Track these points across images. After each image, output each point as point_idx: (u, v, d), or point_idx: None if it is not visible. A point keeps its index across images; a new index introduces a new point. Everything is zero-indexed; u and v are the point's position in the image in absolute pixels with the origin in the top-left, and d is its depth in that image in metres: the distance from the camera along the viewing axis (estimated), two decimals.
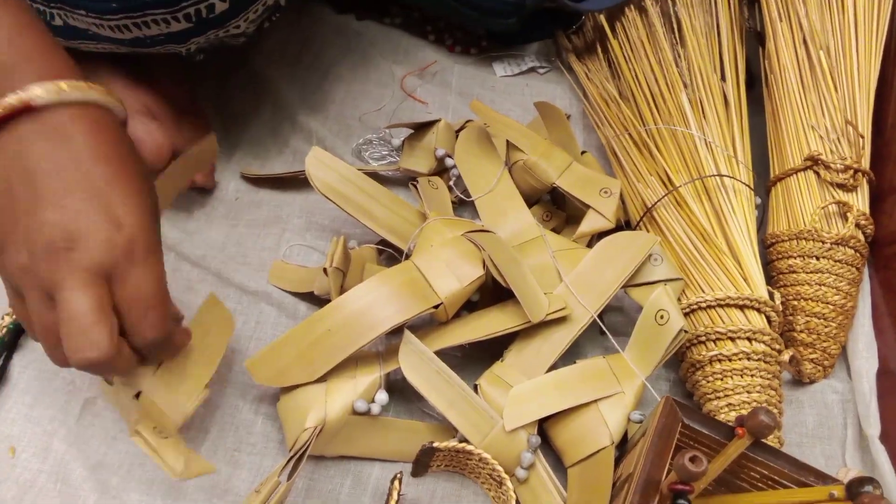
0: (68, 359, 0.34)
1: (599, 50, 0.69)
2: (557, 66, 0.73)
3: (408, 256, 0.49)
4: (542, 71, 0.73)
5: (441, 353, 0.45)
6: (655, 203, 0.53)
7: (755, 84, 0.64)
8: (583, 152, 0.61)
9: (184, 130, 0.59)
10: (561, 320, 0.46)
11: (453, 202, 0.57)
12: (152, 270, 0.35)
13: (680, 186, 0.52)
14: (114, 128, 0.37)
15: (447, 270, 0.46)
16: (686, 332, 0.45)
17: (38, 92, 0.33)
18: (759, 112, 0.61)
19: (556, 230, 0.56)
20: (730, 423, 0.40)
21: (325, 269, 0.46)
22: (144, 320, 0.35)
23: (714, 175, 0.53)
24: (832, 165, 0.52)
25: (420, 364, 0.44)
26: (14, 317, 0.51)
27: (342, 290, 0.47)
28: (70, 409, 0.47)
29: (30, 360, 0.49)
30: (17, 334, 0.50)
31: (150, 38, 0.50)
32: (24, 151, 0.34)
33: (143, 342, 0.36)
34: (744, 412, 0.45)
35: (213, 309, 0.45)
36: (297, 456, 0.41)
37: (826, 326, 0.52)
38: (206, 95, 0.66)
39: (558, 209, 0.57)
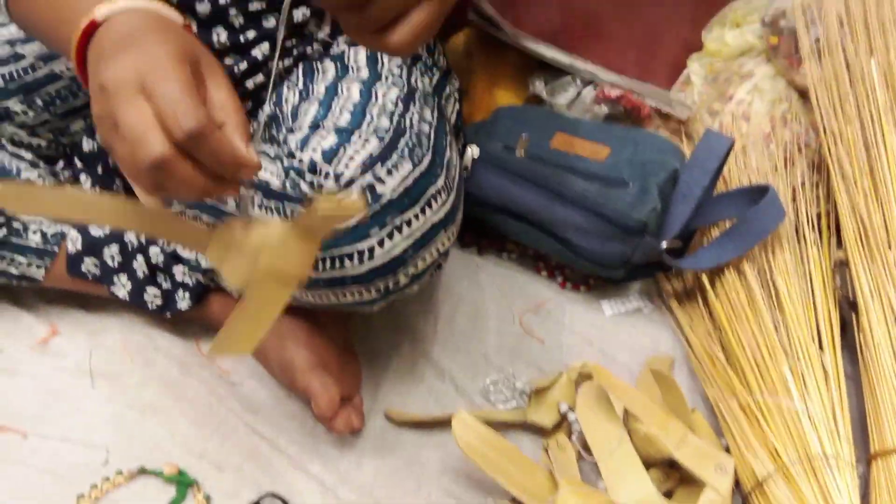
0: (139, 166, 0.41)
1: (699, 299, 0.77)
2: (660, 305, 0.81)
3: None
4: (646, 310, 0.81)
5: None
6: (764, 480, 0.59)
7: (847, 329, 0.70)
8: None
9: (345, 374, 0.69)
10: None
11: (576, 455, 0.64)
12: (172, 77, 0.41)
13: (790, 466, 0.58)
14: (163, 21, 0.47)
15: None
16: None
17: (100, 10, 0.46)
18: (855, 360, 0.67)
19: (669, 493, 0.62)
20: None
21: None
22: (178, 113, 0.40)
23: (822, 455, 0.58)
24: None
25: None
26: None
27: None
28: None
29: None
30: None
31: (345, 304, 0.61)
32: (100, 47, 0.45)
33: (182, 133, 0.40)
34: None
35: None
36: None
37: None
38: (354, 333, 0.77)
39: (672, 469, 0.63)
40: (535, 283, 0.85)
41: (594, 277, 0.85)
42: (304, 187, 0.67)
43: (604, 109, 0.94)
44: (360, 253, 0.56)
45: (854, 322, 0.69)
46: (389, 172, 0.57)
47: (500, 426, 0.67)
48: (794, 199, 0.80)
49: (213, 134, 0.41)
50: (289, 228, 0.42)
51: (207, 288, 0.73)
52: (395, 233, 0.56)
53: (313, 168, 0.66)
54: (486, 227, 0.87)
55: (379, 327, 0.78)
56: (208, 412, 0.70)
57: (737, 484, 0.62)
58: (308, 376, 0.64)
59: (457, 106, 0.83)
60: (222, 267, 0.43)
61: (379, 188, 0.56)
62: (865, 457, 0.63)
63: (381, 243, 0.56)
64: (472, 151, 0.85)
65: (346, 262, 0.57)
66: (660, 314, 0.81)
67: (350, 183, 0.61)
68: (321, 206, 0.40)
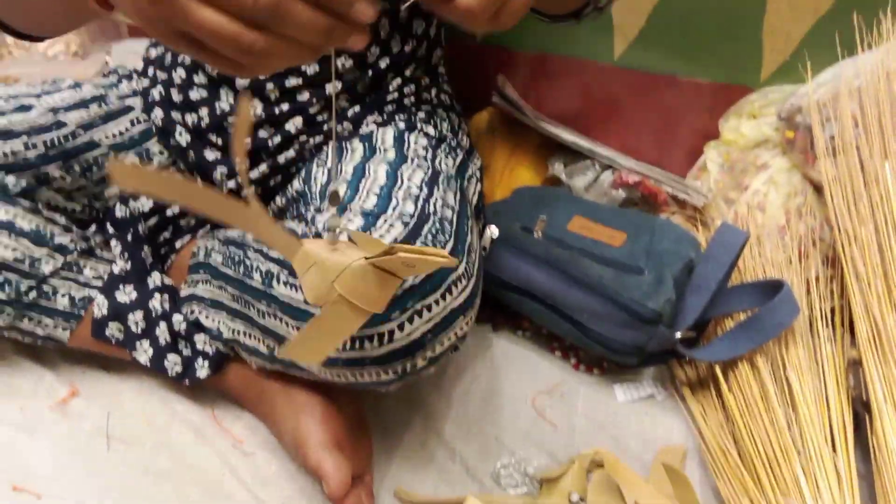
0: (255, 8, 0.36)
1: (713, 390, 0.78)
2: (672, 393, 0.82)
3: None
4: (659, 398, 0.82)
5: None
6: None
7: (860, 427, 0.70)
8: None
9: (359, 454, 0.70)
10: None
11: None
12: None
13: None
14: None
15: None
16: None
17: None
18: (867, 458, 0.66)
19: None
20: None
21: None
22: None
23: None
24: None
25: None
26: None
27: None
28: None
29: None
30: None
31: (362, 384, 0.62)
32: None
33: None
34: None
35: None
36: None
37: None
38: (367, 408, 0.78)
39: None
40: (549, 363, 0.85)
41: (608, 360, 0.85)
42: None
43: (621, 194, 0.96)
44: (381, 335, 0.58)
45: (867, 422, 0.69)
46: None
47: None
48: (807, 293, 0.81)
49: None
50: (370, 265, 0.42)
51: (227, 357, 0.74)
52: (416, 317, 0.58)
53: None
54: (501, 304, 0.89)
55: (392, 403, 0.79)
56: (219, 482, 0.70)
57: None
58: (321, 454, 0.65)
59: (479, 186, 0.85)
60: (303, 280, 0.43)
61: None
62: None
63: (401, 327, 0.58)
64: (492, 232, 0.87)
65: (367, 343, 0.58)
66: (672, 402, 0.81)
67: None
68: (402, 254, 0.40)
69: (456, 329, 0.61)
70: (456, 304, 0.60)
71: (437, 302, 0.59)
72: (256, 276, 0.65)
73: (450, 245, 0.61)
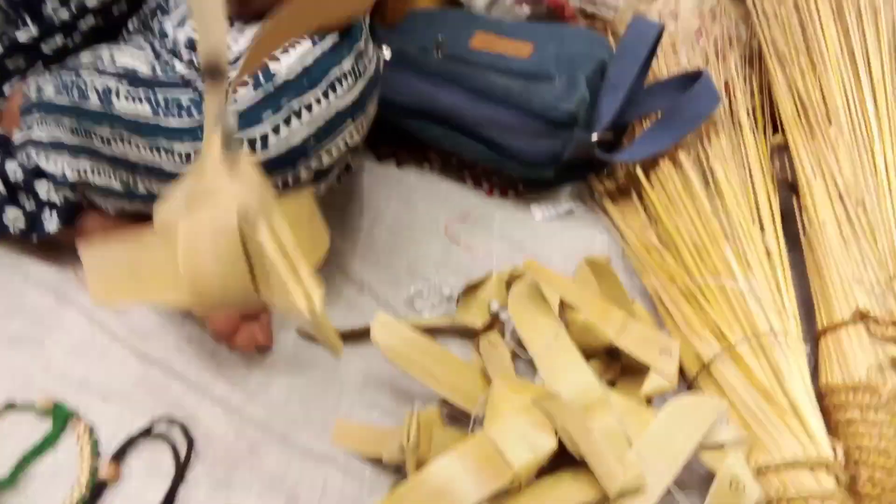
0: None
1: (634, 195, 0.73)
2: (592, 207, 0.76)
3: (476, 422, 0.50)
4: (578, 213, 0.76)
5: None
6: (711, 361, 0.54)
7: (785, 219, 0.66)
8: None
9: None
10: (636, 490, 0.46)
11: (511, 354, 0.59)
12: None
13: (735, 345, 0.54)
14: None
15: (521, 442, 0.46)
16: (763, 501, 0.45)
17: None
18: (794, 247, 0.63)
19: (612, 382, 0.57)
20: None
21: (402, 446, 0.47)
22: None
23: (769, 332, 0.54)
24: (881, 320, 0.54)
25: None
26: (84, 490, 0.51)
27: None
28: None
29: None
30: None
31: None
32: None
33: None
34: None
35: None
36: None
37: (890, 479, 0.52)
38: None
39: (613, 359, 0.58)
40: (461, 193, 0.78)
41: (523, 182, 0.79)
42: (180, 67, 0.58)
43: (525, 10, 0.88)
44: (252, 141, 0.49)
45: (795, 205, 0.65)
46: (285, 50, 0.49)
47: (428, 333, 0.60)
48: (727, 91, 0.76)
49: None
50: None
51: (78, 206, 0.63)
52: (293, 118, 0.49)
53: (191, 44, 0.57)
54: (404, 138, 0.80)
55: None
56: (89, 341, 0.61)
57: (681, 373, 0.58)
58: None
59: None
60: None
61: (272, 66, 0.49)
62: (811, 337, 0.59)
63: (276, 130, 0.49)
64: (384, 53, 0.77)
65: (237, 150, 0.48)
66: (592, 215, 0.76)
67: (237, 60, 0.53)
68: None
69: (344, 136, 0.53)
70: (342, 104, 0.52)
71: (318, 101, 0.50)
72: (92, 96, 0.54)
73: (331, 38, 0.52)
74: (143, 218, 0.60)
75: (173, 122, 0.50)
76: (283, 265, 0.37)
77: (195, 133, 0.50)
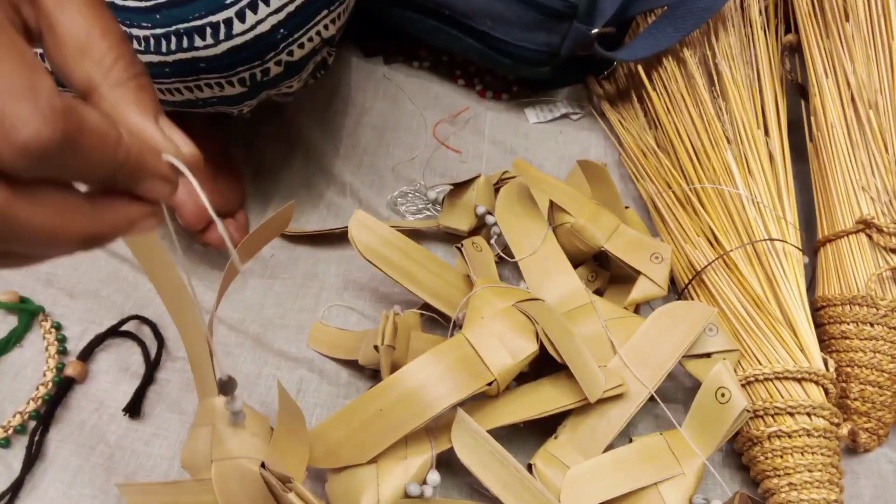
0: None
1: (634, 98, 0.69)
2: (590, 111, 0.72)
3: (456, 326, 0.48)
4: (574, 117, 0.72)
5: (492, 429, 0.44)
6: (706, 267, 0.52)
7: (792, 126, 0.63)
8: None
9: (220, 187, 0.58)
10: (617, 396, 0.45)
11: (496, 260, 0.56)
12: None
13: (731, 251, 0.51)
14: None
15: (500, 345, 0.44)
16: (749, 411, 0.44)
17: None
18: (799, 160, 0.60)
19: (600, 291, 0.55)
20: None
21: (376, 347, 0.45)
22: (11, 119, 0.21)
23: (766, 239, 0.51)
24: (885, 229, 0.51)
25: (474, 445, 0.42)
26: (50, 387, 0.49)
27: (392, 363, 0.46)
28: (110, 488, 0.46)
29: (66, 434, 0.48)
30: (53, 406, 0.49)
31: (202, 101, 0.49)
32: None
33: (19, 151, 0.21)
34: (806, 492, 0.44)
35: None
36: None
37: (881, 395, 0.50)
38: (235, 146, 0.65)
39: (602, 268, 0.56)
40: (451, 93, 0.74)
41: (518, 84, 0.74)
42: None
43: None
44: (215, 27, 0.44)
45: (803, 108, 0.61)
46: None
47: (410, 236, 0.58)
48: None
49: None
50: None
51: None
52: (260, 3, 0.44)
53: None
54: (394, 33, 0.75)
55: (266, 137, 0.67)
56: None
57: (672, 282, 0.56)
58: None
59: None
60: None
61: None
62: (811, 249, 0.57)
63: (241, 15, 0.44)
64: None
65: (196, 38, 0.44)
66: (589, 120, 0.72)
67: None
68: None
69: (318, 26, 0.48)
70: None
71: None
72: None
73: None
74: None
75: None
76: None
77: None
